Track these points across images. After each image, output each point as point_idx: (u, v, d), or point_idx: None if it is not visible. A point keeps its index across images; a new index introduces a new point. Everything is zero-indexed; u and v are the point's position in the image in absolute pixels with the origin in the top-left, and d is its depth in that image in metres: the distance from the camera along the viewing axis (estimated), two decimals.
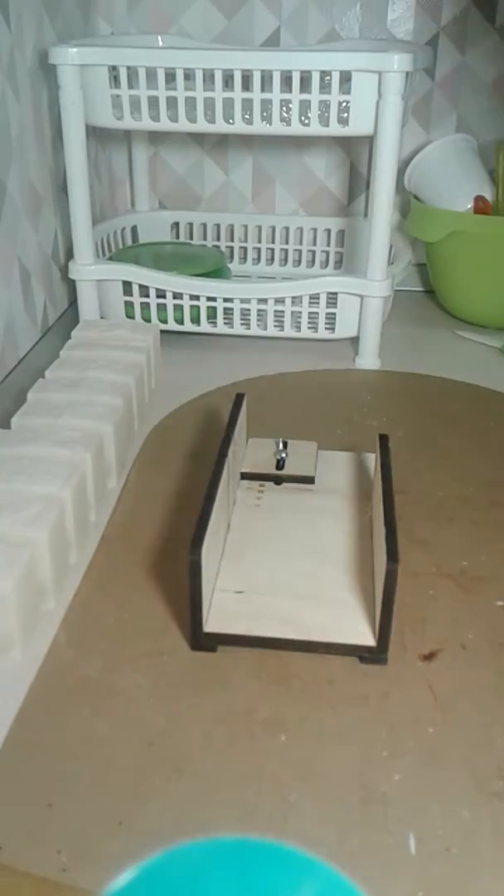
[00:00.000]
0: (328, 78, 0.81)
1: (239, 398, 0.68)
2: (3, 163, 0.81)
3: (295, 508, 0.64)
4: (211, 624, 0.52)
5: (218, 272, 1.02)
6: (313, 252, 1.20)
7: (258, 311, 0.96)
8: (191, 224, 1.21)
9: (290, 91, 0.82)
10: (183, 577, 0.50)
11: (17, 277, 0.86)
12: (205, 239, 1.21)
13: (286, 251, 1.21)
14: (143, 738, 0.46)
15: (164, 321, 0.97)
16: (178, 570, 0.59)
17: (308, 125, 0.84)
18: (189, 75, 0.83)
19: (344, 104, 0.82)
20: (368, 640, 0.51)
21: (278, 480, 0.67)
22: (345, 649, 0.51)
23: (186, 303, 0.95)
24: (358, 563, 0.58)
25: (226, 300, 0.95)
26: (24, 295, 0.88)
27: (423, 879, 0.39)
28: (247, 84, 0.82)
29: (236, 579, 0.56)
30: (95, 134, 1.13)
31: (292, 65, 0.81)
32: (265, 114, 0.84)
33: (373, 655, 0.51)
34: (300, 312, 0.95)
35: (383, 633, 0.50)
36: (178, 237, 1.23)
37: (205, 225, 1.21)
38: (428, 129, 1.16)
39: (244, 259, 1.21)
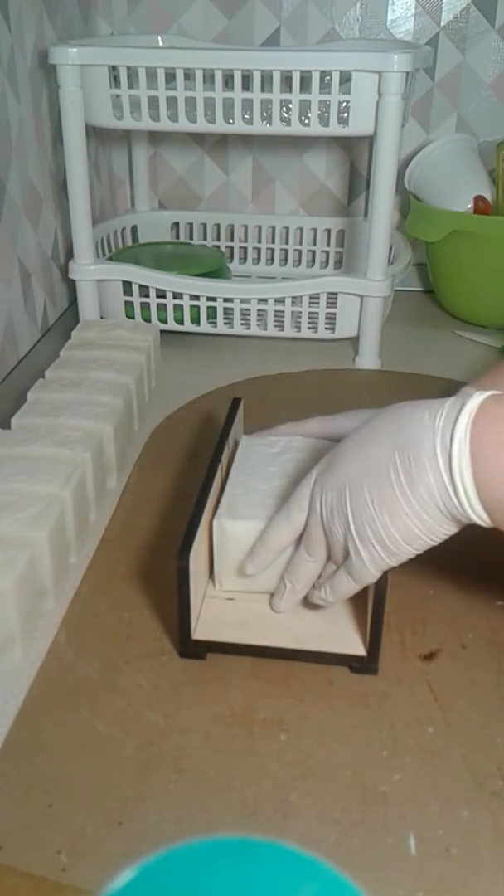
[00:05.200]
0: (328, 78, 0.81)
1: (235, 403, 0.66)
2: (3, 163, 0.81)
3: None
4: (200, 631, 0.51)
5: (218, 272, 1.02)
6: (313, 252, 1.20)
7: (258, 311, 0.96)
8: (191, 224, 1.21)
9: (290, 91, 0.82)
10: None
11: (17, 277, 0.86)
12: (205, 239, 1.21)
13: (286, 251, 1.21)
14: (143, 738, 0.46)
15: (164, 321, 0.97)
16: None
17: (308, 125, 0.84)
18: (189, 75, 0.83)
19: (344, 104, 0.82)
20: (359, 649, 0.50)
21: None
22: (335, 659, 0.50)
23: (186, 303, 0.95)
24: None
25: (226, 300, 0.95)
26: (24, 295, 0.88)
27: (423, 879, 0.39)
28: (247, 84, 0.82)
29: (228, 585, 0.55)
30: (95, 134, 1.13)
31: (292, 65, 0.81)
32: (265, 114, 0.84)
33: (363, 665, 0.50)
34: (300, 312, 0.95)
35: (374, 643, 0.49)
36: (178, 237, 1.23)
37: (205, 225, 1.21)
38: (428, 129, 1.16)
39: (244, 259, 1.21)
